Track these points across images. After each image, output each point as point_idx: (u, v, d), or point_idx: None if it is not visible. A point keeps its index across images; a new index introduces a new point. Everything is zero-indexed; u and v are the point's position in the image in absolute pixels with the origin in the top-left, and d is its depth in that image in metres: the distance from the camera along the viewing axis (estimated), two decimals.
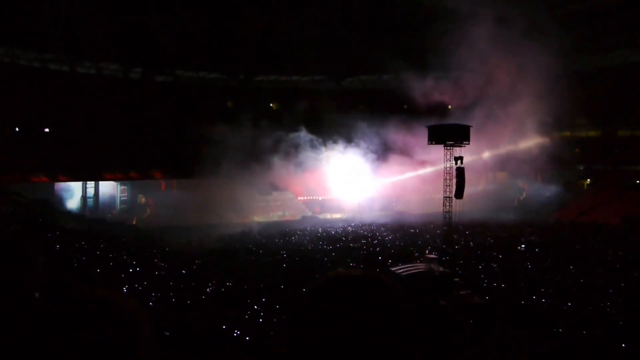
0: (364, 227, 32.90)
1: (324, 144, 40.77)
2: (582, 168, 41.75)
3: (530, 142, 36.40)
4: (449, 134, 28.06)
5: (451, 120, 31.20)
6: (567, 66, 35.48)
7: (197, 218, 32.92)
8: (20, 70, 37.52)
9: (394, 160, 38.38)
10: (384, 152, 38.73)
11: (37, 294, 1.51)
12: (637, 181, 38.10)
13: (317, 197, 41.20)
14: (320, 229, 32.50)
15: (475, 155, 34.06)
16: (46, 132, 37.54)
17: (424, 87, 36.18)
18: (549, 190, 40.95)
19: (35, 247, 1.55)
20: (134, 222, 35.18)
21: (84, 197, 36.77)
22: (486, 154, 36.71)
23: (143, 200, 38.35)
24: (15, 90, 34.19)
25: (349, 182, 39.91)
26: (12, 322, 1.35)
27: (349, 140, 39.62)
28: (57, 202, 33.72)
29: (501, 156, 36.15)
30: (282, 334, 11.44)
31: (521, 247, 25.18)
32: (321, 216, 39.77)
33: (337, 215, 39.81)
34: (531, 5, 32.16)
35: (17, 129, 36.26)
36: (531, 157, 37.27)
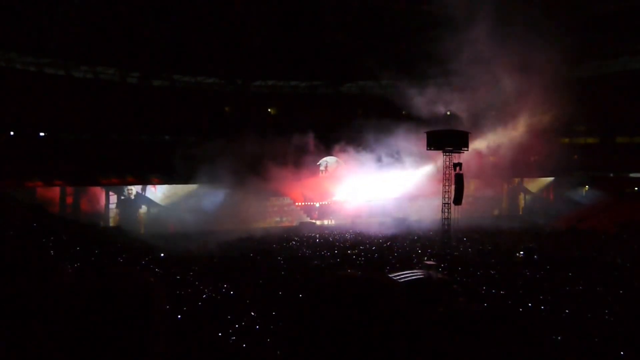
0: (362, 233, 32.82)
1: (328, 148, 40.83)
2: (580, 175, 41.73)
3: (531, 147, 36.44)
4: (448, 140, 28.08)
5: (450, 126, 31.22)
6: (566, 73, 35.50)
7: (196, 224, 32.86)
8: (16, 74, 37.38)
9: (395, 167, 38.34)
10: (385, 158, 38.63)
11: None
12: (636, 188, 38.13)
13: (314, 203, 41.11)
14: (317, 235, 32.42)
15: (475, 159, 34.11)
16: (42, 136, 37.43)
17: (422, 93, 36.24)
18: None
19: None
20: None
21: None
22: (487, 160, 36.77)
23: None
24: (11, 95, 34.06)
25: (350, 188, 39.86)
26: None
27: (351, 145, 39.58)
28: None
29: (503, 162, 36.15)
30: (282, 337, 11.32)
31: (520, 254, 25.12)
32: (318, 222, 39.67)
33: (336, 222, 39.68)
34: (530, 12, 32.22)
35: (12, 134, 36.13)
36: (532, 163, 37.40)
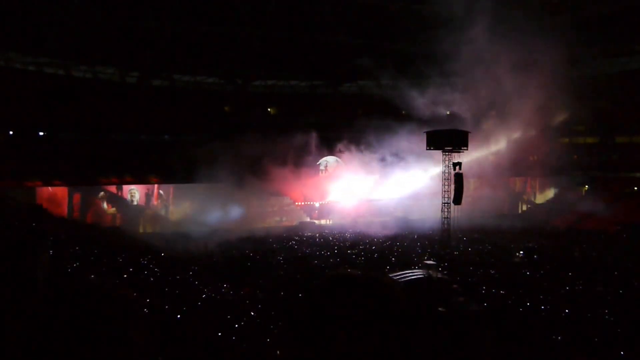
0: (362, 232, 32.80)
1: (328, 148, 40.84)
2: (579, 174, 41.74)
3: (531, 147, 36.47)
4: (447, 140, 28.08)
5: (450, 126, 31.20)
6: (566, 73, 35.54)
7: (196, 224, 32.86)
8: (15, 74, 37.34)
9: (395, 166, 38.33)
10: (385, 157, 38.62)
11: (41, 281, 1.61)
12: (635, 188, 38.12)
13: (314, 203, 41.10)
14: (317, 235, 32.40)
15: (475, 160, 34.12)
16: (41, 136, 37.37)
17: (422, 93, 36.24)
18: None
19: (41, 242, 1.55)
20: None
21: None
22: (489, 160, 36.81)
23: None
24: (10, 94, 34.01)
25: (351, 187, 39.85)
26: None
27: (351, 145, 39.57)
28: None
29: (502, 162, 36.15)
30: (282, 337, 11.30)
31: (519, 253, 25.11)
32: (317, 222, 39.65)
33: (335, 221, 39.65)
34: (530, 12, 32.21)
35: (11, 133, 36.08)
36: (531, 162, 37.37)
